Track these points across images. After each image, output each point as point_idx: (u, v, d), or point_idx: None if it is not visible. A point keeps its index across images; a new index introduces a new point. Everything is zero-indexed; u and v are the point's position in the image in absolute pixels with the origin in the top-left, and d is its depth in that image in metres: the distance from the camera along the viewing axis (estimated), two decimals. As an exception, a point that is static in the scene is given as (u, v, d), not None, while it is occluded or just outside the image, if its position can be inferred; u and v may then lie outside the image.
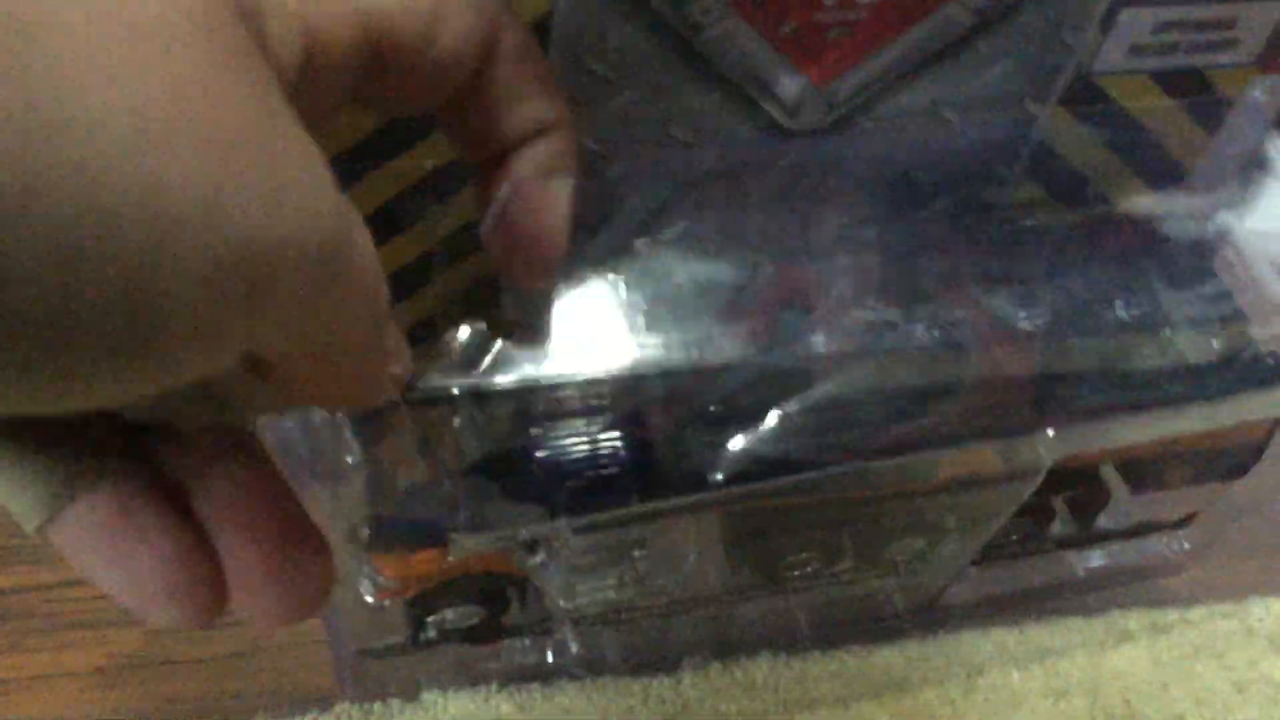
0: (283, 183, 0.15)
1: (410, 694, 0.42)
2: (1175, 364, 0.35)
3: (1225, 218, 0.37)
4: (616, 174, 0.30)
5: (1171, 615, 0.46)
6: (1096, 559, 0.47)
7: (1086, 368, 0.34)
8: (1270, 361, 0.36)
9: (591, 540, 0.33)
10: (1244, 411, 0.37)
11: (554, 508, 0.31)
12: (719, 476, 0.31)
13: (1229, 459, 0.42)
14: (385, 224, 0.30)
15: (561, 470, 0.31)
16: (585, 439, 0.31)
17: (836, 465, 0.32)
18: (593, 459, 0.31)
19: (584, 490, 0.31)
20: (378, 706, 0.42)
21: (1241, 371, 0.36)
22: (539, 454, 0.31)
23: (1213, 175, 0.37)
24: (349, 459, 0.31)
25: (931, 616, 0.46)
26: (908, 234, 0.34)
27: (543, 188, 0.23)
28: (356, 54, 0.19)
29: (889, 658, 0.44)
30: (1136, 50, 0.32)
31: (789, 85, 0.29)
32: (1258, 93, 0.35)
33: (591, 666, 0.43)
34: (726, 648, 0.44)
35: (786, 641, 0.44)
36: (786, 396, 0.31)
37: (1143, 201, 0.37)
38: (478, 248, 0.25)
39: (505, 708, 0.42)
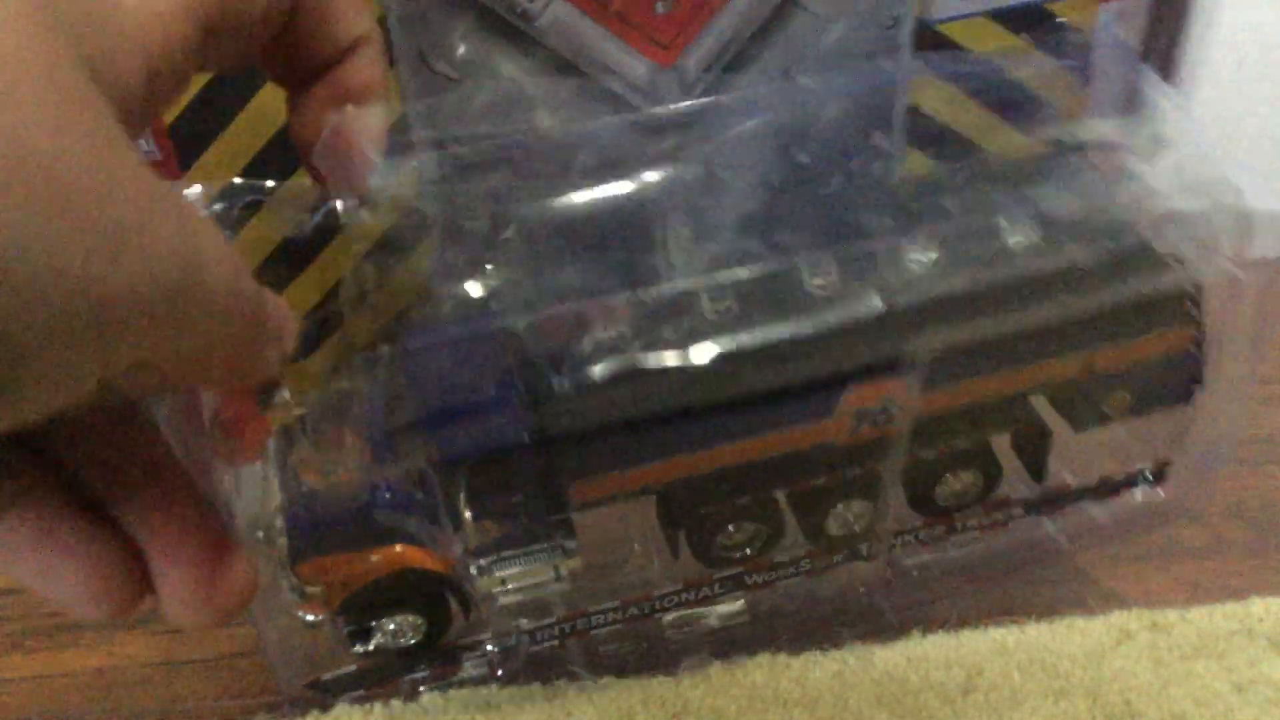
0: (120, 231, 0.15)
1: (410, 694, 0.42)
2: (1059, 264, 0.36)
3: (1114, 147, 0.38)
4: (485, 162, 0.30)
5: (1171, 615, 0.46)
6: (1071, 518, 0.47)
7: (976, 289, 0.35)
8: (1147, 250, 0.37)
9: (500, 526, 0.35)
10: (1112, 292, 0.38)
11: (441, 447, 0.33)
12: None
13: (1163, 382, 0.42)
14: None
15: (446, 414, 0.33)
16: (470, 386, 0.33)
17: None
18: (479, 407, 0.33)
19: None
20: (378, 706, 0.42)
21: (1116, 259, 0.37)
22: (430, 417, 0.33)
23: (1096, 114, 0.38)
24: (261, 474, 0.31)
25: (925, 613, 0.46)
26: (795, 204, 0.35)
27: (359, 116, 0.25)
28: (194, 44, 0.20)
29: (889, 658, 0.44)
30: None
31: (634, 67, 0.30)
32: (1110, 27, 0.36)
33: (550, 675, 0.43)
34: (725, 648, 0.44)
35: (786, 642, 0.44)
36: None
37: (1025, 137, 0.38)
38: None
39: (506, 707, 0.42)
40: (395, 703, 0.42)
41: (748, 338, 0.33)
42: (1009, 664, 0.44)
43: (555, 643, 0.42)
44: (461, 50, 0.28)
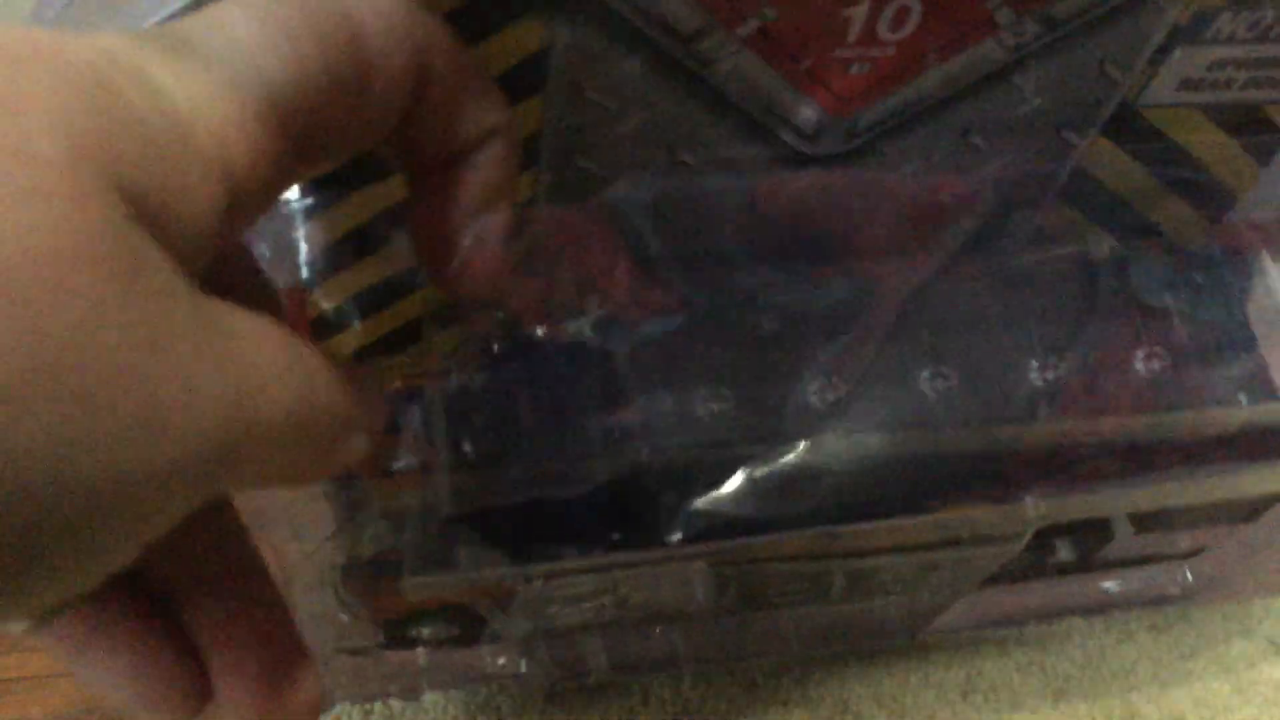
0: (156, 414, 0.14)
1: (410, 694, 0.42)
2: (1190, 433, 0.34)
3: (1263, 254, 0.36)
4: (620, 195, 0.29)
5: (1171, 615, 0.46)
6: (1098, 586, 0.46)
7: (1091, 438, 0.33)
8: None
9: (566, 581, 0.33)
10: (1245, 485, 0.36)
11: (521, 556, 0.31)
12: (682, 534, 0.31)
13: (1239, 507, 0.40)
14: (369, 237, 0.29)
15: (534, 522, 0.31)
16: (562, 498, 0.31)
17: (801, 529, 0.31)
18: (565, 513, 0.31)
19: (554, 540, 0.31)
20: (378, 706, 0.42)
21: (1252, 444, 0.34)
22: (513, 509, 0.30)
23: (1258, 203, 0.36)
24: (323, 500, 0.30)
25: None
26: (926, 269, 0.33)
27: (480, 223, 0.22)
28: (287, 156, 0.18)
29: (889, 658, 0.44)
30: (1188, 85, 0.31)
31: (806, 114, 0.28)
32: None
33: (574, 673, 0.42)
34: (726, 649, 0.44)
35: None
36: (766, 456, 0.31)
37: (1169, 228, 0.36)
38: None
39: (506, 707, 0.42)
40: (395, 701, 0.42)
41: (868, 497, 0.31)
42: (1009, 664, 0.44)
43: (577, 636, 0.41)
44: (623, 84, 0.26)
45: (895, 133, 0.30)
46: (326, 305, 0.29)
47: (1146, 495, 0.35)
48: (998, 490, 0.33)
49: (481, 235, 0.22)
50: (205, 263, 0.16)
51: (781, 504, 0.31)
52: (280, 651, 0.20)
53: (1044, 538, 0.40)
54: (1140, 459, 0.34)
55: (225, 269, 0.20)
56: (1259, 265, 0.37)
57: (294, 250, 0.28)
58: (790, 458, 0.30)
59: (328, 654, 0.38)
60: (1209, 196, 0.35)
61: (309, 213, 0.28)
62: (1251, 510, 0.41)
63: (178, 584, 0.20)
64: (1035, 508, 0.33)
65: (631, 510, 0.31)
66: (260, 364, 0.16)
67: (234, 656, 0.20)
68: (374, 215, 0.28)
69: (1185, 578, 0.46)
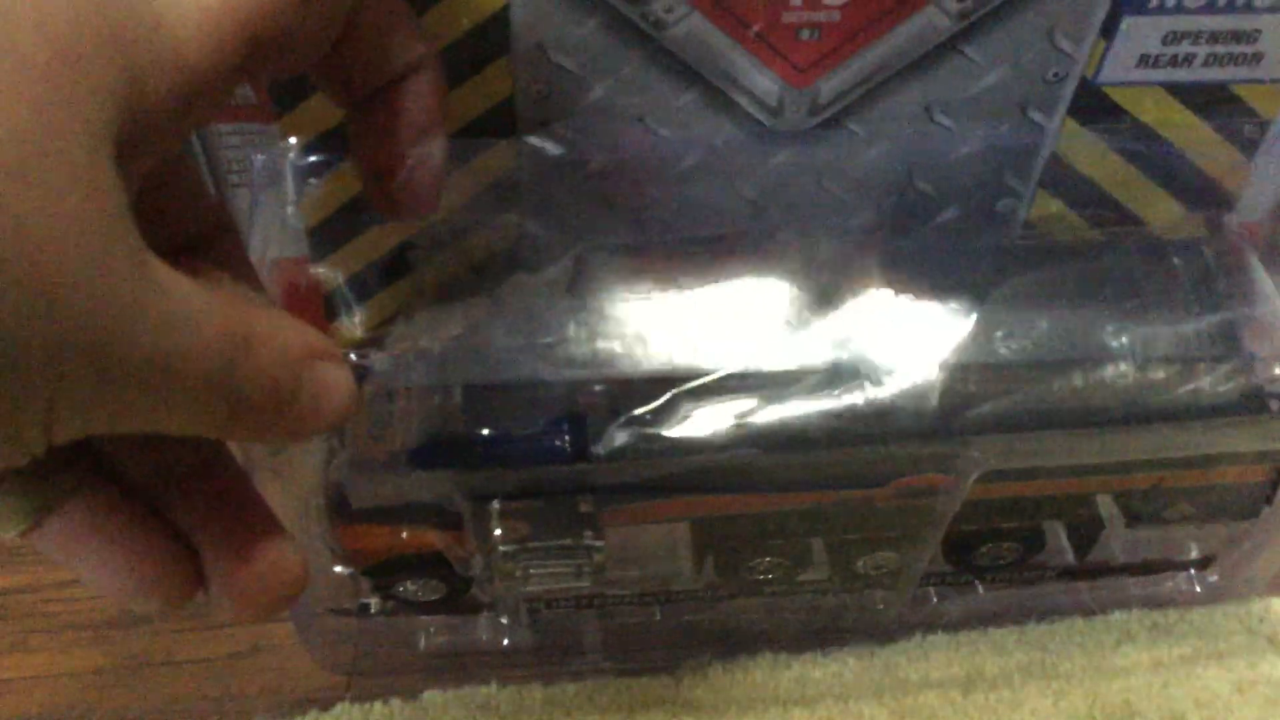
0: (103, 323, 0.16)
1: (410, 694, 0.42)
2: (1157, 403, 0.34)
3: (1250, 253, 0.37)
4: (598, 166, 0.30)
5: (1171, 615, 0.46)
6: (1104, 590, 0.46)
7: (1052, 403, 0.34)
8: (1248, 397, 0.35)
9: (529, 522, 0.34)
10: (1194, 443, 0.36)
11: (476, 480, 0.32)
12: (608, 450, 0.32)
13: (1232, 501, 0.41)
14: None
15: (481, 452, 0.32)
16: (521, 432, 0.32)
17: (734, 452, 0.32)
18: (523, 446, 0.32)
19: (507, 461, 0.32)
20: (378, 706, 0.42)
21: (1208, 403, 0.35)
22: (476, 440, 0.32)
23: (1250, 205, 0.36)
24: (307, 454, 0.31)
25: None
26: (904, 243, 0.34)
27: (416, 148, 0.25)
28: (239, 61, 0.19)
29: (889, 657, 0.44)
30: (1146, 61, 0.31)
31: (766, 85, 0.29)
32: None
33: (562, 654, 0.43)
34: (725, 647, 0.44)
35: (786, 641, 0.44)
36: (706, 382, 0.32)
37: (1157, 224, 0.36)
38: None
39: (505, 707, 0.42)
40: (395, 701, 0.42)
41: (798, 428, 0.32)
42: (1009, 664, 0.44)
43: (563, 611, 0.42)
44: (584, 47, 0.27)
45: (859, 108, 0.31)
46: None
47: (1091, 444, 0.35)
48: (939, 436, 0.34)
49: (420, 159, 0.24)
50: (159, 161, 0.18)
51: (720, 431, 0.31)
52: (261, 532, 0.22)
53: (1031, 518, 0.41)
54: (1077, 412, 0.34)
55: (208, 233, 0.22)
56: (1248, 266, 0.37)
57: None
58: (728, 386, 0.31)
59: (319, 615, 0.39)
60: (1196, 191, 0.36)
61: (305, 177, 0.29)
62: (1246, 508, 0.41)
63: (163, 481, 0.21)
64: (976, 446, 0.34)
65: (574, 437, 0.32)
66: (189, 325, 0.17)
67: (220, 537, 0.21)
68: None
69: (1191, 585, 0.46)
